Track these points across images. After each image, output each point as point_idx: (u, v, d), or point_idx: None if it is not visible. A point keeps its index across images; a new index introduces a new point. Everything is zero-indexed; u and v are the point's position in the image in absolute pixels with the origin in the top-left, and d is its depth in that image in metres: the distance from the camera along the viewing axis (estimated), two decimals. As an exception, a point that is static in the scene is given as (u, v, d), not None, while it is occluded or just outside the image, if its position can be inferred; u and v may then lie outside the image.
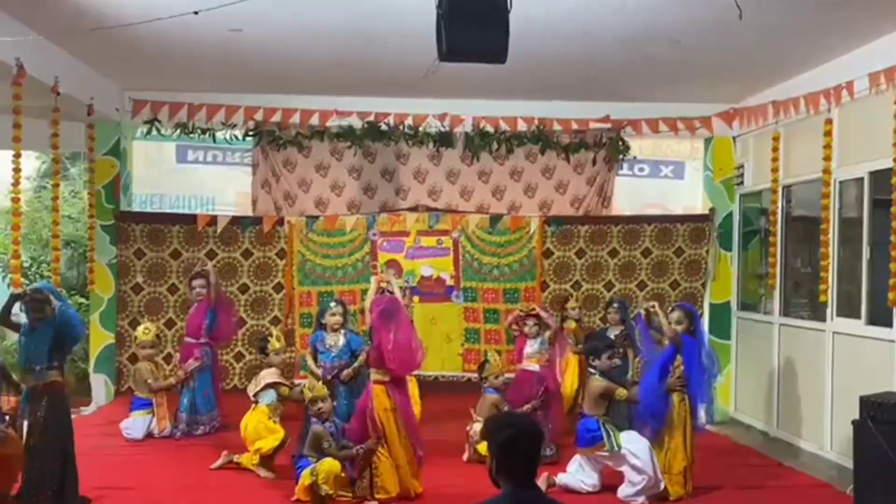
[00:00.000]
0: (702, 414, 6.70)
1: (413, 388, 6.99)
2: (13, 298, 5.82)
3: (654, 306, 6.74)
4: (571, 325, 8.25)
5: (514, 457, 2.99)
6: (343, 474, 5.90)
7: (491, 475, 3.06)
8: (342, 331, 7.15)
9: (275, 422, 6.88)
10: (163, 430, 7.76)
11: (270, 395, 6.98)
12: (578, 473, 6.25)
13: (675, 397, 6.28)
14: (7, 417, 5.87)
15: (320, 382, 6.52)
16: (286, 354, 7.83)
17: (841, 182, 7.42)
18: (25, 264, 10.17)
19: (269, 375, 7.09)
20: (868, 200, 7.01)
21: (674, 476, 6.21)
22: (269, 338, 7.41)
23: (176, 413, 7.91)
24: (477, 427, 6.74)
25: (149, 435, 7.70)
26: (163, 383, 7.93)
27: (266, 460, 6.69)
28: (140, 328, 8.25)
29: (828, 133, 7.41)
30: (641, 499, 6.07)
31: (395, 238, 9.61)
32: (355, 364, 6.99)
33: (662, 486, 6.13)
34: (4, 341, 9.07)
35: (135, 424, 7.73)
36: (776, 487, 6.66)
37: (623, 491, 6.14)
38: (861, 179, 7.12)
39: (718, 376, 6.99)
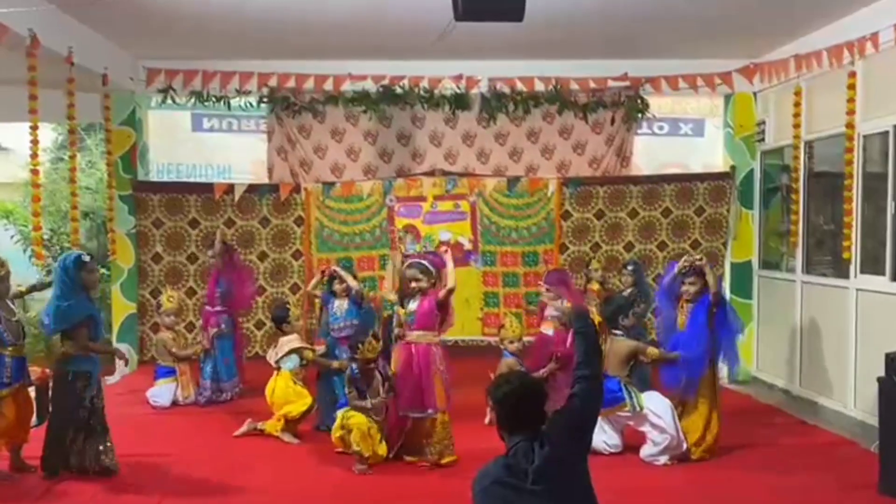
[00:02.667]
0: (723, 374, 6.65)
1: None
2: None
3: (701, 258, 6.60)
4: (595, 286, 8.20)
5: (513, 411, 3.16)
6: (376, 434, 5.97)
7: (498, 433, 3.25)
8: (347, 298, 7.26)
9: (301, 386, 6.95)
10: (187, 397, 7.86)
11: (293, 361, 7.02)
12: (600, 434, 6.21)
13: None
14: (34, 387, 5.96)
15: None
16: (306, 321, 7.84)
17: (865, 136, 7.27)
18: (45, 236, 10.24)
19: (291, 342, 7.14)
20: (893, 154, 6.87)
21: (709, 437, 6.22)
22: (289, 306, 7.49)
23: (199, 381, 8.00)
24: None
25: (174, 402, 7.80)
26: (185, 351, 8.01)
27: (291, 425, 6.75)
28: (164, 296, 8.30)
29: (851, 86, 7.25)
30: (664, 458, 6.08)
31: (412, 203, 9.58)
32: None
33: (685, 446, 6.13)
34: (28, 312, 9.15)
35: (161, 392, 7.82)
36: (800, 445, 6.65)
37: (646, 451, 6.14)
38: (886, 133, 6.97)
39: (741, 335, 6.95)
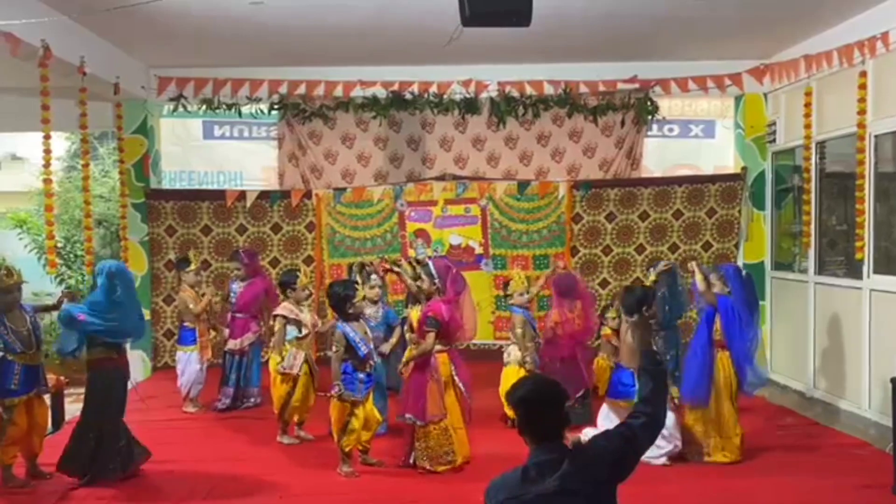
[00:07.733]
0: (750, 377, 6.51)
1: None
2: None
3: (692, 265, 6.58)
4: (608, 331, 7.87)
5: (530, 414, 3.06)
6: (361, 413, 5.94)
7: (519, 433, 3.14)
8: (380, 303, 7.18)
9: (282, 369, 6.71)
10: (206, 359, 7.84)
11: (290, 333, 6.84)
12: (605, 422, 6.08)
13: (721, 359, 6.25)
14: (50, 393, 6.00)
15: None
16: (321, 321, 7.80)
17: (876, 136, 7.23)
18: (59, 244, 10.32)
19: (281, 308, 6.89)
20: (905, 154, 6.86)
21: (732, 441, 6.22)
22: (298, 273, 7.13)
23: (219, 387, 7.96)
24: (512, 349, 7.13)
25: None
26: (201, 305, 7.80)
27: (284, 425, 6.78)
28: (192, 253, 8.26)
29: (862, 86, 7.22)
30: (662, 459, 6.10)
31: (422, 208, 9.61)
32: (393, 339, 6.97)
33: (679, 445, 6.17)
34: (43, 320, 9.21)
35: (188, 359, 7.77)
36: (815, 447, 6.63)
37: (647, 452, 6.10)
38: (897, 133, 6.96)
39: (756, 332, 6.88)
